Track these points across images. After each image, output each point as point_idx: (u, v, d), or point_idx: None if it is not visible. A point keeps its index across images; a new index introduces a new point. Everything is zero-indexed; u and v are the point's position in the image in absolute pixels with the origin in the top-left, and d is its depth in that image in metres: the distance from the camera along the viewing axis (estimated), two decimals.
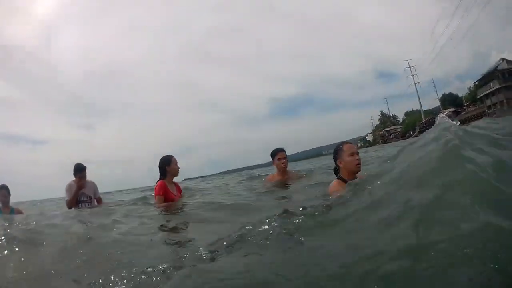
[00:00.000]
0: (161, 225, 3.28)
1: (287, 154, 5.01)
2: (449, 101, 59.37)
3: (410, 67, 60.59)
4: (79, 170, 5.20)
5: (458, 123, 3.20)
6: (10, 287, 1.96)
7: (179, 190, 4.60)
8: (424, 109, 61.33)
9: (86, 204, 5.24)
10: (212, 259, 1.94)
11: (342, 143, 3.24)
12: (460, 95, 59.09)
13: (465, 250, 1.20)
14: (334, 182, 3.15)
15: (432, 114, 58.19)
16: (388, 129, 69.86)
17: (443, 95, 62.63)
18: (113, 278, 1.90)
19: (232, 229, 2.43)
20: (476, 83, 47.07)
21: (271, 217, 2.12)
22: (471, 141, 2.35)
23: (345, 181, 3.08)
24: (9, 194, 4.99)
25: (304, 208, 2.40)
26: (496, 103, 39.03)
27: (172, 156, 4.44)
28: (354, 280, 1.33)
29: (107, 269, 2.04)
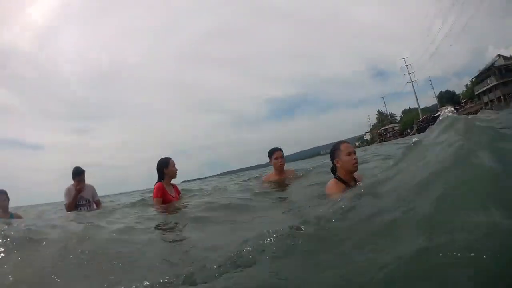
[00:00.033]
0: (159, 226, 3.30)
1: (285, 154, 5.01)
2: (447, 98, 59.30)
3: (406, 65, 60.73)
4: (78, 173, 5.21)
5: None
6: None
7: (177, 191, 4.60)
8: (421, 107, 61.36)
9: (85, 207, 5.25)
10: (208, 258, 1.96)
11: (339, 142, 3.25)
12: (457, 92, 59.05)
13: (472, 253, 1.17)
14: (332, 181, 3.16)
15: (429, 111, 58.29)
16: (385, 127, 69.77)
17: (440, 92, 62.66)
18: (113, 277, 1.91)
19: (229, 230, 2.45)
20: (473, 80, 47.17)
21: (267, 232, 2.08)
22: (479, 137, 2.23)
23: (342, 181, 3.10)
24: (8, 199, 4.97)
25: (303, 219, 2.38)
26: (494, 99, 39.10)
27: (169, 158, 4.45)
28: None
29: (106, 269, 2.05)
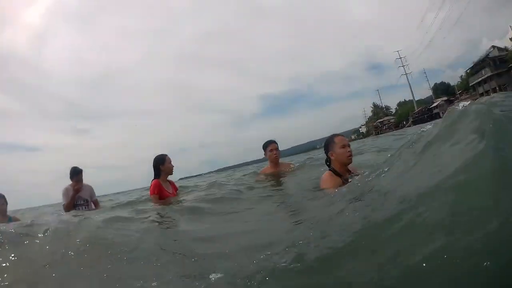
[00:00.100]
0: (156, 221, 3.32)
1: (281, 149, 5.03)
2: (441, 90, 59.48)
3: (400, 57, 60.98)
4: (76, 173, 5.20)
5: None
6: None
7: (174, 188, 4.62)
8: (416, 99, 61.54)
9: (83, 207, 5.24)
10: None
11: (333, 135, 3.27)
12: (452, 83, 59.11)
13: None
14: (326, 174, 3.19)
15: (424, 103, 58.46)
16: (381, 120, 69.83)
17: (435, 84, 62.83)
18: (110, 266, 1.94)
19: (222, 221, 2.46)
20: (468, 71, 47.23)
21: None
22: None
23: (336, 173, 3.13)
24: (6, 203, 4.95)
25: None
26: (489, 90, 39.18)
27: (166, 155, 4.46)
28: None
29: (105, 265, 2.06)
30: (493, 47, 40.79)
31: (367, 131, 72.10)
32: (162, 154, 4.48)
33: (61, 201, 5.28)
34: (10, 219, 4.90)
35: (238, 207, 3.47)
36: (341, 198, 2.38)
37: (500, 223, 1.12)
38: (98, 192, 5.70)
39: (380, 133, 51.50)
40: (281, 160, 5.16)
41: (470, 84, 44.72)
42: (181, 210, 3.63)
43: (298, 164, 5.61)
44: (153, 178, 4.40)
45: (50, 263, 2.09)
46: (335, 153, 3.15)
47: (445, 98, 51.26)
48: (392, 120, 65.96)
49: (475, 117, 1.79)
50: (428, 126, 2.53)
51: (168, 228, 3.02)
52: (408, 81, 60.87)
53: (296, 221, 2.53)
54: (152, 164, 4.43)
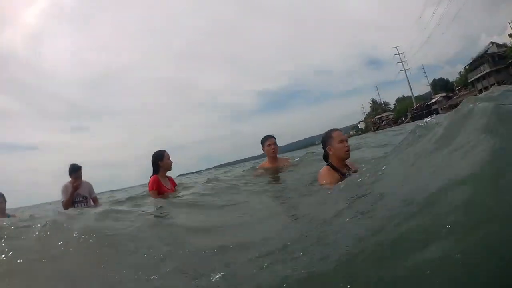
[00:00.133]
0: (154, 214, 3.34)
1: (279, 145, 5.03)
2: (440, 86, 59.43)
3: (399, 53, 60.92)
4: (74, 170, 5.19)
5: None
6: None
7: (173, 183, 4.64)
8: (415, 95, 61.57)
9: (82, 204, 5.22)
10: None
11: (331, 130, 3.27)
12: (451, 79, 59.07)
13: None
14: (324, 168, 3.19)
15: (423, 99, 58.43)
16: (380, 116, 69.87)
17: (434, 80, 62.71)
18: (107, 258, 1.95)
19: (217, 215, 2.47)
20: (467, 67, 47.17)
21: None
22: None
23: (334, 168, 3.13)
24: (5, 201, 4.95)
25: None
26: (488, 86, 39.16)
27: (164, 151, 4.47)
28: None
29: (102, 256, 2.08)
30: (492, 43, 40.78)
31: (366, 127, 72.13)
32: (160, 150, 4.48)
33: (60, 198, 5.28)
34: (9, 217, 4.91)
35: (236, 202, 3.49)
36: (339, 194, 2.39)
37: (500, 223, 1.12)
38: (97, 190, 5.69)
39: (379, 129, 51.47)
40: (279, 155, 5.16)
41: (469, 80, 44.67)
42: (179, 205, 3.65)
43: (297, 159, 5.61)
44: (151, 174, 4.41)
45: (47, 255, 2.10)
46: (333, 148, 3.16)
47: (443, 94, 51.31)
48: (391, 116, 66.01)
49: (481, 115, 1.77)
50: (427, 119, 2.55)
51: (165, 221, 3.03)
52: (407, 77, 61.01)
53: (293, 216, 2.56)
54: (151, 160, 4.44)
